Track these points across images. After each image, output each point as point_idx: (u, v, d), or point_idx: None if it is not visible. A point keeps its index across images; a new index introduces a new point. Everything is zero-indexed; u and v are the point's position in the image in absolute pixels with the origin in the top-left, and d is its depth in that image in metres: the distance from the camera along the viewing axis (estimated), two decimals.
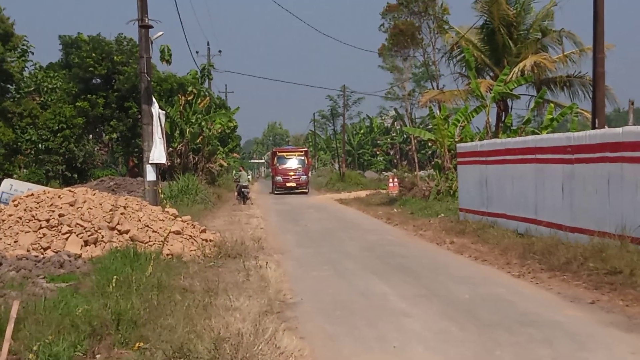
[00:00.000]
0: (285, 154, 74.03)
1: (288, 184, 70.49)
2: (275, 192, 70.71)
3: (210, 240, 22.65)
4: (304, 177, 71.19)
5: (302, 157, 72.63)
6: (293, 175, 70.79)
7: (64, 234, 19.82)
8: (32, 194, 22.19)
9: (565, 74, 41.42)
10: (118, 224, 20.75)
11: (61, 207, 20.79)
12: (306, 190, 70.41)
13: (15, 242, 19.45)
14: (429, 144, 69.51)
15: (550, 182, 22.28)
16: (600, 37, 24.88)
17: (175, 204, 33.30)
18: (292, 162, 71.76)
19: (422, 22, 49.65)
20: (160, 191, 31.29)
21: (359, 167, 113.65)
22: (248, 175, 63.11)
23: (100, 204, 21.58)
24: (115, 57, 53.62)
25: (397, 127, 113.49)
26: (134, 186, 41.57)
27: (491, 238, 23.62)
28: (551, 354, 10.94)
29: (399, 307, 14.74)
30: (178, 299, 13.39)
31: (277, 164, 72.11)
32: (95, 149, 58.25)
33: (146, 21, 28.97)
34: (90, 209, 21.13)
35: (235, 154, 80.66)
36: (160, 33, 30.47)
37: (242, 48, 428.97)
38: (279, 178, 71.25)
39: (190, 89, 57.07)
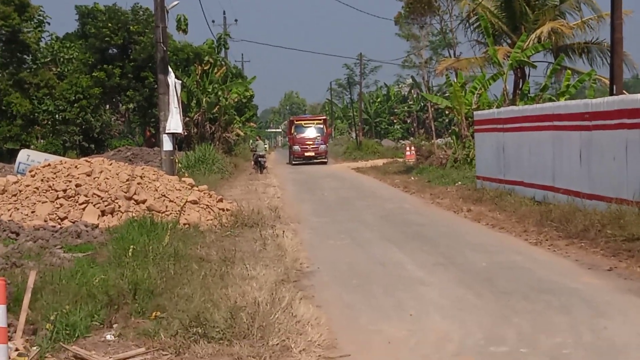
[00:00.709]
0: (303, 122, 71.05)
1: (306, 154, 67.50)
2: (293, 162, 67.92)
3: (227, 210, 22.68)
4: (322, 147, 68.32)
5: (321, 126, 69.52)
6: (311, 144, 67.68)
7: (81, 204, 19.89)
8: (49, 165, 22.22)
9: (583, 40, 41.17)
10: (135, 193, 20.79)
11: (78, 177, 20.83)
12: (325, 160, 67.72)
13: (32, 212, 19.54)
14: (446, 112, 69.14)
15: (567, 149, 22.16)
16: (618, 2, 24.66)
17: (192, 174, 33.27)
18: (311, 131, 68.47)
19: None
20: (177, 161, 31.30)
21: (376, 136, 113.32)
22: (265, 144, 63.09)
23: (117, 174, 21.62)
24: (131, 27, 53.67)
25: (414, 95, 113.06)
26: (150, 156, 41.70)
27: (508, 206, 23.56)
28: (568, 320, 10.92)
29: (416, 275, 14.75)
30: (195, 269, 13.41)
31: (295, 133, 68.74)
32: (112, 119, 58.43)
33: None
34: (107, 179, 21.18)
35: (252, 124, 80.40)
36: (176, 2, 30.38)
37: (258, 17, 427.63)
38: (296, 147, 68.15)
39: (206, 58, 56.99)
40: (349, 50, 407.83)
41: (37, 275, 11.21)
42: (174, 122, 29.11)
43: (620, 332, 10.32)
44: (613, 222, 17.10)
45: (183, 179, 24.87)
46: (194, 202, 21.85)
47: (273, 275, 13.46)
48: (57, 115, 50.23)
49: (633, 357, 9.46)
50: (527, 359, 9.47)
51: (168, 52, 31.21)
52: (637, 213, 17.02)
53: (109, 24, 53.36)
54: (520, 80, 41.12)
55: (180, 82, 31.28)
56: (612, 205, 18.31)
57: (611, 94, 24.57)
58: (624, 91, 25.08)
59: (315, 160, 67.06)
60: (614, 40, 25.10)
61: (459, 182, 32.81)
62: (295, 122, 71.47)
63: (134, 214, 19.61)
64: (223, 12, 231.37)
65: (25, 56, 51.45)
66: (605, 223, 17.29)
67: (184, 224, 19.82)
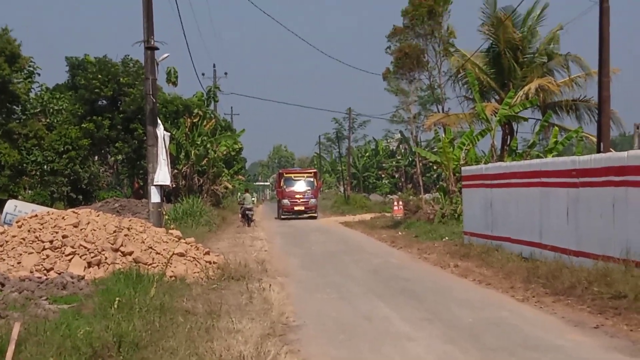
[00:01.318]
0: (292, 175, 68.99)
1: (296, 208, 65.60)
2: (282, 216, 65.85)
3: (214, 262, 22.61)
4: (313, 201, 66.40)
5: (311, 179, 67.79)
6: (301, 198, 65.79)
7: (67, 255, 19.80)
8: (36, 215, 22.19)
9: (571, 97, 41.49)
10: (122, 245, 20.73)
11: (65, 229, 20.78)
12: (315, 215, 65.91)
13: (18, 263, 19.43)
14: (434, 167, 69.33)
15: (555, 205, 22.22)
16: (606, 61, 24.88)
17: (180, 226, 33.28)
18: (300, 185, 66.71)
19: (428, 44, 49.63)
20: (164, 213, 31.28)
21: (364, 190, 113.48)
22: (253, 197, 62.89)
23: (104, 226, 21.57)
24: (121, 79, 53.92)
25: (403, 150, 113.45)
26: (138, 208, 41.66)
27: (495, 262, 23.56)
28: None
29: (402, 330, 14.69)
30: (180, 321, 13.37)
31: (284, 186, 66.59)
32: (101, 170, 58.47)
33: (152, 43, 29.00)
34: (94, 230, 21.12)
35: (240, 176, 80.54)
36: (166, 55, 30.50)
37: (248, 70, 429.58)
38: (286, 201, 65.96)
39: (196, 110, 57.27)
40: (338, 105, 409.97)
41: (21, 326, 11.15)
42: (162, 174, 29.13)
43: None
44: (600, 279, 17.11)
45: (170, 231, 24.84)
46: (181, 255, 21.79)
47: (259, 329, 13.43)
48: (45, 166, 50.23)
49: None
50: None
51: (157, 104, 31.29)
52: (624, 271, 17.03)
53: (99, 76, 53.60)
54: (508, 136, 41.37)
55: (169, 134, 31.35)
56: (599, 263, 18.32)
57: (598, 151, 24.72)
58: (611, 149, 25.21)
59: (305, 215, 65.59)
60: (602, 98, 25.30)
61: (447, 238, 32.83)
62: (285, 175, 69.26)
63: (120, 266, 19.54)
64: (213, 65, 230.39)
65: (14, 106, 51.49)
66: (592, 280, 17.30)
67: (171, 277, 19.77)
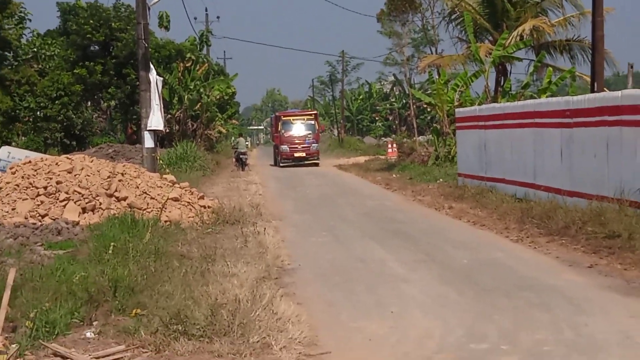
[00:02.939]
0: (291, 118, 61.94)
1: (296, 154, 58.54)
2: (281, 164, 59.01)
3: (209, 207, 22.61)
4: (314, 146, 59.81)
5: (312, 122, 60.96)
6: (302, 143, 58.99)
7: (61, 201, 19.76)
8: (30, 162, 22.08)
9: (565, 37, 41.23)
10: (116, 190, 20.69)
11: (59, 175, 20.71)
12: (317, 161, 59.32)
13: (12, 209, 19.40)
14: (428, 110, 68.99)
15: (549, 146, 22.22)
16: (600, 0, 24.70)
17: (174, 171, 33.20)
18: (300, 128, 59.79)
19: None
20: (158, 158, 31.19)
21: (358, 133, 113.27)
22: (246, 141, 62.43)
23: (98, 171, 21.51)
24: (113, 24, 53.48)
25: (396, 93, 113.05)
26: (132, 153, 41.51)
27: (490, 203, 23.58)
28: (549, 318, 10.94)
29: (397, 272, 14.75)
30: (175, 266, 13.38)
31: (282, 131, 59.30)
32: (94, 116, 58.22)
33: None
34: (88, 176, 21.06)
35: (234, 121, 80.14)
36: None
37: (240, 14, 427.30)
38: (285, 147, 58.81)
39: (188, 55, 56.87)
40: (331, 48, 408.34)
41: (17, 272, 11.16)
42: (156, 119, 29.00)
43: (600, 329, 10.35)
44: (594, 219, 17.15)
45: (164, 176, 24.77)
46: (175, 200, 21.78)
47: (254, 273, 13.44)
48: (38, 112, 49.98)
49: (613, 353, 9.48)
50: (507, 356, 9.48)
51: (150, 49, 31.08)
52: (618, 210, 17.09)
53: (91, 21, 53.18)
54: (502, 77, 41.19)
55: (161, 79, 31.18)
56: (593, 203, 18.36)
57: (592, 91, 24.61)
58: (605, 88, 25.08)
59: (307, 162, 58.77)
60: (595, 38, 25.13)
61: (441, 180, 32.83)
62: (283, 118, 61.96)
63: (115, 211, 19.51)
64: (205, 9, 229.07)
65: (6, 53, 51.08)
66: (586, 220, 17.34)
67: (165, 221, 19.75)
